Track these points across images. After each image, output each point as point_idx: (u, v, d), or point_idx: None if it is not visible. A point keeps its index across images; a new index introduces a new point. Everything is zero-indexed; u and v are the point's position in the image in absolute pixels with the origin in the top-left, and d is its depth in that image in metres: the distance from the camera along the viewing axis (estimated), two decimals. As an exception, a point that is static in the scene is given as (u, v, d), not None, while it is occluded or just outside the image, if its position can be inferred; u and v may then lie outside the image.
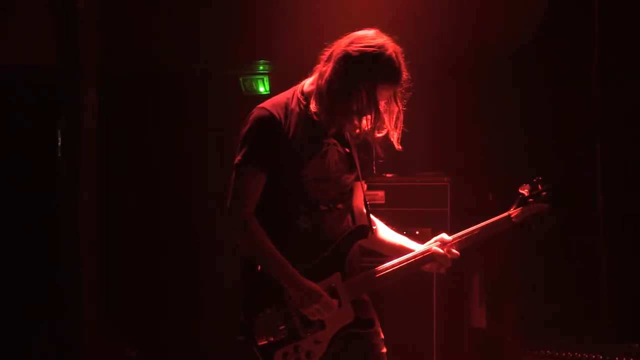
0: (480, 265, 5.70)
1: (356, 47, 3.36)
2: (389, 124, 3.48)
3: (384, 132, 3.49)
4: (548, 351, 4.88)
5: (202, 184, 6.17)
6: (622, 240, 5.31)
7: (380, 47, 3.37)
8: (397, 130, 3.49)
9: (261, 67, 6.24)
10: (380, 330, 3.57)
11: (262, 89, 6.25)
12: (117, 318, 5.76)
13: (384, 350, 3.56)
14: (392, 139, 3.50)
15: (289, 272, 3.34)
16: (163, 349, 6.15)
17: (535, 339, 5.01)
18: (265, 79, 6.26)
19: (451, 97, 5.94)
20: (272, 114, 3.38)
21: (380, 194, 5.37)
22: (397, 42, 3.45)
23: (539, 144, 5.85)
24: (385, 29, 5.68)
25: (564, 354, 4.83)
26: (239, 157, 3.37)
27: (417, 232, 5.07)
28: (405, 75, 3.44)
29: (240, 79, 6.28)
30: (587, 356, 4.77)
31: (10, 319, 5.51)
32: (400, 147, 3.51)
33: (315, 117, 3.40)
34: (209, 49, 5.97)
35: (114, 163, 5.96)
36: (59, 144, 5.23)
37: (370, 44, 3.36)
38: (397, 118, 3.48)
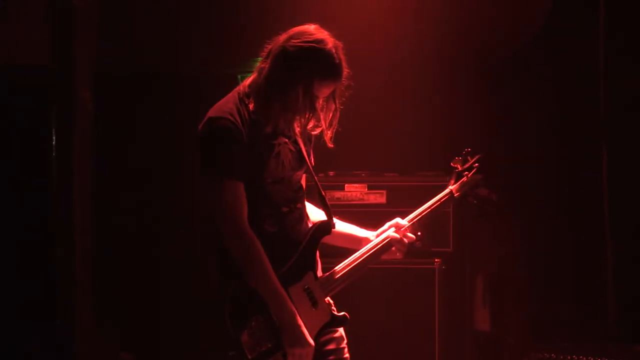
0: (483, 267, 5.65)
1: (294, 42, 3.32)
2: (323, 122, 3.43)
3: (318, 130, 3.45)
4: (552, 354, 4.87)
5: (200, 184, 6.10)
6: (628, 240, 5.26)
7: (319, 42, 3.32)
8: (332, 128, 3.45)
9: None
10: (345, 334, 3.56)
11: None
12: (111, 321, 5.73)
13: (347, 356, 3.55)
14: (325, 138, 3.45)
15: (288, 304, 3.30)
16: (157, 352, 6.09)
17: (539, 341, 4.99)
18: (264, 76, 6.17)
19: (453, 95, 5.89)
20: (232, 122, 3.31)
21: (382, 193, 5.32)
22: (337, 37, 3.39)
23: (543, 143, 5.81)
24: (385, 28, 5.71)
25: (568, 357, 4.82)
26: (214, 172, 3.30)
27: (419, 233, 5.01)
28: (345, 71, 3.37)
29: (239, 77, 6.14)
30: (592, 359, 4.75)
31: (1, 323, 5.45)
32: (332, 145, 3.46)
33: (253, 116, 3.35)
34: (206, 46, 5.94)
35: (108, 163, 5.90)
36: (54, 143, 5.17)
37: (308, 40, 3.32)
38: (333, 116, 3.43)
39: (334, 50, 3.33)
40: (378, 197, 5.30)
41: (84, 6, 5.18)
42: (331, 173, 5.31)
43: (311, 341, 3.31)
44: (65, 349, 5.05)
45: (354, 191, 5.29)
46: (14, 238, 5.54)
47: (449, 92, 5.87)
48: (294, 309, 3.30)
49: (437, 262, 5.15)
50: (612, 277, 5.29)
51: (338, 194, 5.26)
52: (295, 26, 3.47)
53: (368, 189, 5.29)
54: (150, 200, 6.27)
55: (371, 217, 5.10)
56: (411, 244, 3.62)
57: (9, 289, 5.51)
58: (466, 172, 3.75)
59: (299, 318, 3.30)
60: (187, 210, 6.17)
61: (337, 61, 3.34)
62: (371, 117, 5.79)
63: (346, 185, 5.30)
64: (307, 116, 3.37)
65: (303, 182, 3.56)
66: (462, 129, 5.88)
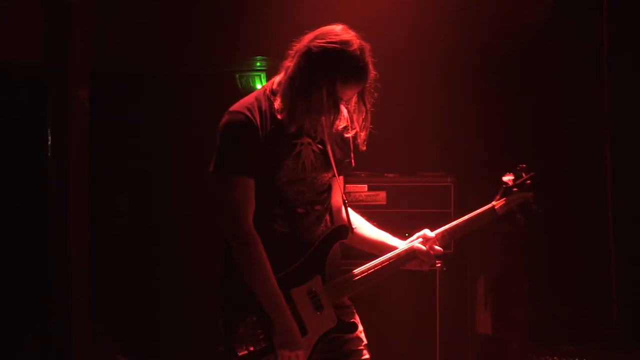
0: (485, 268, 5.63)
1: (319, 42, 3.28)
2: (356, 124, 3.40)
3: (352, 133, 3.42)
4: (555, 357, 4.88)
5: (197, 184, 6.06)
6: (633, 242, 5.23)
7: (344, 43, 3.28)
8: (364, 131, 3.42)
9: (258, 64, 6.18)
10: (364, 335, 3.50)
11: (259, 86, 6.17)
12: (106, 324, 5.68)
13: (367, 356, 3.49)
14: (358, 140, 3.42)
15: (281, 306, 3.27)
16: (153, 354, 6.09)
17: (541, 344, 4.98)
18: (263, 75, 6.18)
19: (455, 95, 5.88)
20: (248, 118, 3.28)
21: (382, 194, 5.30)
22: (365, 39, 3.35)
23: (546, 142, 5.79)
24: (386, 27, 5.70)
25: (570, 360, 4.77)
26: (222, 167, 3.28)
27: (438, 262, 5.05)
28: (372, 74, 3.35)
29: (237, 76, 6.20)
30: (594, 362, 4.73)
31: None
32: (365, 148, 3.43)
33: (278, 115, 3.31)
34: (204, 44, 5.92)
35: (104, 163, 5.86)
36: (49, 143, 5.14)
37: (333, 40, 3.28)
38: (365, 118, 3.40)
39: (358, 52, 3.30)
40: (379, 198, 5.28)
41: (80, 3, 5.14)
42: (331, 173, 5.27)
43: (302, 345, 3.28)
44: (61, 352, 5.00)
45: (355, 192, 5.26)
46: (9, 238, 5.56)
47: (451, 92, 5.85)
48: (287, 311, 3.28)
49: (438, 264, 5.12)
50: (615, 279, 5.26)
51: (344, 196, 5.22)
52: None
53: (368, 190, 5.26)
54: (148, 200, 6.28)
55: (372, 218, 5.09)
56: (444, 246, 3.55)
57: (3, 290, 5.51)
58: (516, 189, 3.58)
59: (291, 320, 3.28)
60: (184, 210, 6.17)
61: (362, 63, 3.31)
62: (372, 117, 5.76)
63: (347, 185, 5.26)
64: (332, 118, 3.32)
65: (335, 185, 3.50)
66: (463, 128, 5.88)
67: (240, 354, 3.26)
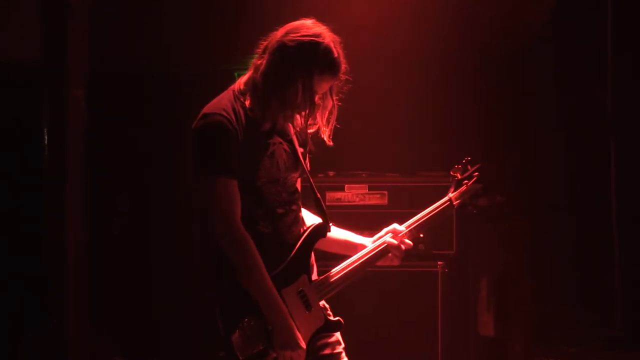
0: (487, 269, 5.61)
1: (292, 37, 3.29)
2: (320, 119, 3.41)
3: (315, 128, 3.43)
4: (558, 359, 4.86)
5: (194, 181, 6.06)
6: (636, 243, 5.21)
7: (317, 36, 3.30)
8: (329, 126, 3.42)
9: None
10: (342, 338, 3.52)
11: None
12: (104, 326, 5.64)
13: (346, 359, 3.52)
14: (323, 136, 3.42)
15: (280, 306, 3.27)
16: (151, 357, 6.05)
17: (544, 347, 4.96)
18: (262, 73, 6.11)
19: (456, 94, 5.87)
20: (225, 118, 3.28)
21: (383, 194, 5.27)
22: (334, 31, 3.36)
23: (549, 143, 5.78)
24: (386, 26, 5.67)
25: (573, 362, 4.77)
26: (207, 169, 3.26)
27: (421, 235, 4.98)
28: (343, 66, 3.34)
29: (236, 75, 6.08)
30: (598, 364, 4.72)
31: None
32: (331, 143, 3.43)
33: (250, 114, 3.31)
34: (202, 43, 5.91)
35: (102, 163, 5.82)
36: (45, 142, 5.11)
37: (307, 34, 3.30)
38: (331, 113, 3.41)
39: (332, 45, 3.31)
40: (379, 198, 5.25)
41: (78, 3, 5.12)
42: (331, 173, 5.29)
43: (303, 344, 3.28)
44: (57, 355, 4.97)
45: (355, 192, 5.22)
46: (5, 239, 5.52)
47: (452, 92, 5.84)
48: (286, 310, 3.27)
49: (439, 265, 5.11)
50: (618, 280, 5.24)
51: (338, 195, 5.22)
52: (293, 19, 3.44)
53: (369, 190, 5.24)
54: (145, 200, 6.25)
55: (372, 219, 5.08)
56: (415, 246, 3.61)
57: (1, 290, 5.49)
58: (465, 181, 3.69)
59: (290, 320, 3.27)
60: (182, 211, 6.15)
61: (336, 55, 3.32)
62: (372, 117, 5.78)
63: (346, 185, 5.25)
64: (305, 113, 3.33)
65: (298, 185, 3.52)
66: (464, 128, 5.87)
67: (241, 357, 3.25)
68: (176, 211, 6.20)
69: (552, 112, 5.81)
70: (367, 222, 4.81)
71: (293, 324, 3.27)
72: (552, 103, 5.78)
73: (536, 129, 5.83)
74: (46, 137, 5.13)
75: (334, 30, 3.39)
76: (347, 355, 3.52)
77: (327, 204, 5.11)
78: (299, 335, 3.27)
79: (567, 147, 5.68)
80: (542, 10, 5.66)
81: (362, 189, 5.23)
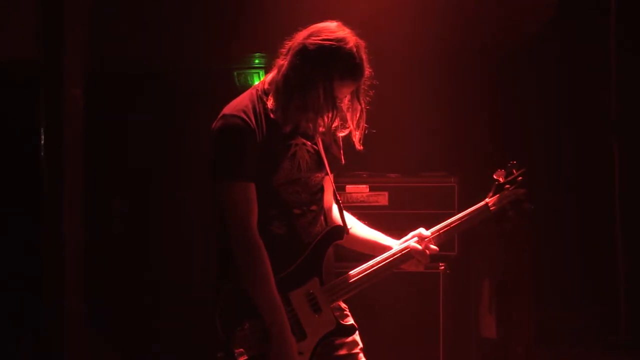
0: (489, 271, 5.58)
1: (314, 40, 3.24)
2: (351, 122, 3.38)
3: (346, 132, 3.40)
4: None
5: (196, 183, 6.04)
6: (640, 245, 5.20)
7: (340, 40, 3.24)
8: (359, 129, 3.40)
9: (257, 61, 6.15)
10: (359, 339, 3.47)
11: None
12: (101, 329, 5.68)
13: None
14: (353, 139, 3.40)
15: (281, 318, 3.22)
16: (151, 357, 6.05)
17: (546, 349, 4.93)
18: (261, 73, 6.14)
19: (458, 94, 5.85)
20: (244, 121, 3.23)
21: (384, 195, 5.23)
22: (365, 37, 3.32)
23: (552, 143, 5.78)
24: (389, 26, 5.65)
25: (577, 365, 4.77)
26: (224, 172, 3.23)
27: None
28: (367, 71, 3.32)
29: (235, 74, 6.18)
30: (601, 367, 4.71)
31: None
32: (361, 147, 3.41)
33: (272, 115, 3.27)
34: (201, 41, 5.91)
35: (99, 164, 5.84)
36: (42, 143, 5.09)
37: (329, 37, 3.24)
38: (360, 117, 3.38)
39: (354, 49, 3.26)
40: (380, 199, 5.22)
41: (76, 2, 5.11)
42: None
43: (295, 358, 3.24)
44: (55, 356, 4.97)
45: (356, 192, 5.19)
46: (3, 239, 5.47)
47: (454, 91, 5.82)
48: (287, 324, 3.23)
49: (441, 266, 5.07)
50: (622, 282, 5.22)
51: (339, 195, 5.16)
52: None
53: (370, 190, 5.20)
54: (144, 202, 6.24)
55: (373, 219, 5.00)
56: (440, 245, 3.54)
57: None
58: (507, 185, 3.57)
59: (290, 336, 3.23)
60: (186, 211, 6.12)
61: (358, 60, 3.27)
62: (373, 117, 5.72)
63: (347, 186, 5.23)
64: (329, 116, 3.29)
65: (326, 185, 3.48)
66: (466, 128, 5.87)
67: (240, 359, 3.21)
68: (176, 212, 6.19)
69: (555, 112, 5.80)
70: (368, 223, 4.76)
71: (291, 337, 3.23)
72: (555, 103, 5.77)
73: (538, 130, 5.81)
74: (43, 136, 5.12)
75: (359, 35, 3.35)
76: (365, 356, 3.47)
77: (343, 207, 5.10)
78: (295, 351, 3.23)
79: (571, 147, 5.68)
80: (544, 9, 5.65)
81: (363, 189, 5.21)
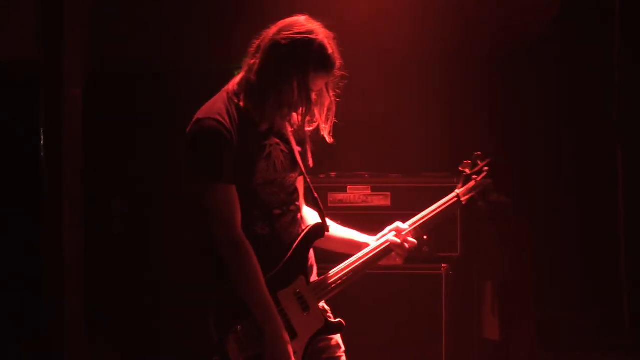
0: (492, 273, 5.57)
1: (285, 34, 3.26)
2: (319, 117, 3.37)
3: (314, 126, 3.39)
4: None
5: (189, 187, 6.03)
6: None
7: (311, 33, 3.26)
8: (329, 123, 3.38)
9: None
10: (342, 342, 3.47)
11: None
12: (101, 331, 5.67)
13: None
14: (323, 133, 3.38)
15: (274, 317, 3.22)
16: (151, 357, 6.01)
17: (550, 351, 4.91)
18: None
19: (461, 93, 5.84)
20: (220, 123, 3.23)
21: (386, 195, 5.19)
22: (339, 35, 3.32)
23: (554, 144, 5.78)
24: (389, 26, 5.63)
25: (582, 367, 4.75)
26: (204, 176, 3.22)
27: (425, 237, 4.91)
28: (338, 62, 3.31)
29: (235, 73, 6.06)
30: (606, 368, 4.70)
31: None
32: (332, 140, 3.39)
33: (248, 116, 3.28)
34: (200, 41, 5.85)
35: (99, 164, 5.83)
36: (42, 143, 5.08)
37: (301, 31, 3.26)
38: (329, 110, 3.37)
39: (326, 41, 3.28)
40: (382, 199, 5.18)
41: (75, 2, 5.10)
42: (333, 174, 5.26)
43: (291, 357, 3.23)
44: (54, 358, 4.95)
45: (357, 193, 5.16)
46: (2, 240, 5.45)
47: (456, 92, 5.82)
48: (280, 322, 3.23)
49: (444, 267, 5.03)
50: (626, 283, 5.19)
51: (340, 196, 5.16)
52: (318, 21, 3.40)
53: (372, 191, 5.17)
54: (144, 202, 6.19)
55: (375, 220, 4.97)
56: (419, 248, 3.53)
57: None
58: (475, 176, 3.63)
59: (284, 332, 3.23)
60: (182, 213, 6.08)
61: (330, 52, 3.28)
62: (375, 117, 5.74)
63: (349, 186, 5.18)
64: (301, 111, 3.31)
65: (299, 185, 3.48)
66: (468, 128, 5.84)
67: None
68: (176, 212, 6.15)
69: (556, 112, 5.80)
70: (369, 224, 4.71)
71: (286, 335, 3.23)
72: (555, 103, 5.77)
73: (539, 130, 5.81)
74: (43, 137, 5.11)
75: (337, 31, 3.36)
76: (347, 358, 3.47)
77: (330, 205, 5.07)
78: (290, 349, 3.23)
79: (573, 148, 5.66)
80: (547, 9, 5.62)
81: (365, 189, 5.17)
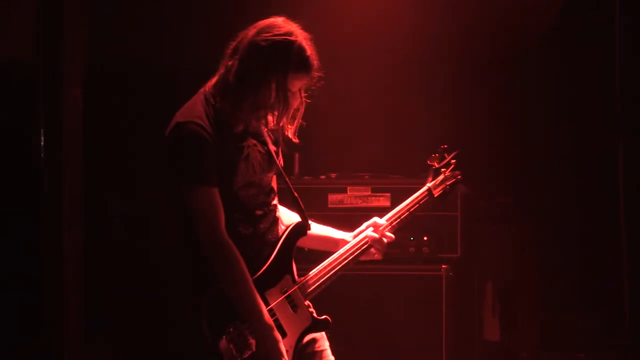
0: (493, 274, 5.56)
1: (265, 36, 3.27)
2: (285, 117, 3.37)
3: (280, 125, 3.40)
4: None
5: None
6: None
7: (290, 34, 3.28)
8: (295, 123, 3.39)
9: None
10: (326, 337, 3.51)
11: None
12: (101, 333, 5.66)
13: (332, 358, 3.51)
14: (287, 133, 3.40)
15: (264, 316, 3.24)
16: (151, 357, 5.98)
17: (551, 352, 4.89)
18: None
19: (463, 94, 5.82)
20: (200, 126, 3.24)
21: (386, 196, 5.18)
22: (305, 28, 3.33)
23: (556, 145, 5.76)
24: (390, 27, 5.62)
25: (582, 368, 4.74)
26: (187, 179, 3.24)
27: (425, 238, 4.96)
28: (316, 63, 3.32)
29: None
30: (606, 370, 4.69)
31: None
32: (297, 140, 3.41)
33: (225, 117, 3.28)
34: (200, 41, 5.81)
35: (99, 164, 5.80)
36: (42, 143, 5.06)
37: (280, 32, 3.28)
38: (297, 110, 3.38)
39: (304, 43, 3.29)
40: (382, 200, 5.17)
41: (75, 1, 5.09)
42: (333, 175, 5.24)
43: (285, 357, 3.25)
44: (54, 358, 4.95)
45: (357, 194, 5.16)
46: (2, 240, 5.43)
47: (457, 92, 5.80)
48: (271, 321, 3.26)
49: (444, 268, 5.02)
50: (627, 286, 5.18)
51: (340, 197, 5.17)
52: (295, 20, 3.41)
53: (372, 192, 5.17)
54: (144, 202, 6.16)
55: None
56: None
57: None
58: (443, 169, 3.73)
59: (276, 331, 3.25)
60: (183, 213, 6.07)
61: (309, 53, 3.29)
62: (375, 118, 5.73)
63: (349, 187, 5.19)
64: (279, 112, 3.30)
65: (274, 184, 3.50)
66: (469, 129, 5.81)
67: None
68: (176, 213, 6.13)
69: (559, 114, 5.78)
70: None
71: (278, 335, 3.25)
72: (561, 104, 5.75)
73: (543, 132, 5.80)
74: (43, 137, 5.10)
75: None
76: (332, 354, 3.50)
77: (329, 206, 5.07)
78: (282, 348, 3.25)
79: (576, 150, 5.66)
80: (549, 10, 5.62)
81: (365, 191, 5.17)
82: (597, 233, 5.51)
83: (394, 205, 5.20)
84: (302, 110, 3.37)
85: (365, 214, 5.06)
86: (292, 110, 3.33)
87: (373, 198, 5.18)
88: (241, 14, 5.57)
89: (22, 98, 5.33)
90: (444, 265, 5.01)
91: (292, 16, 3.46)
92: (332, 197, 5.12)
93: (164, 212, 6.18)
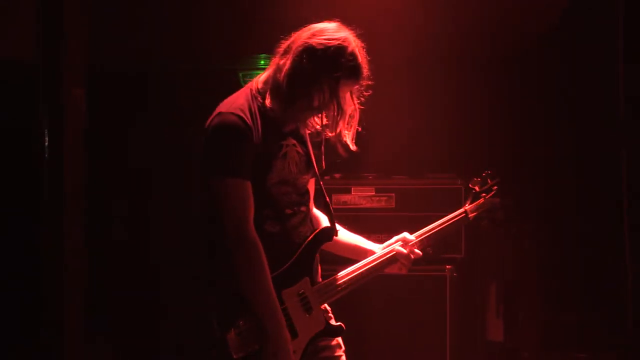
0: (496, 274, 5.56)
1: (319, 39, 3.27)
2: (343, 124, 3.38)
3: (335, 132, 3.39)
4: None
5: (197, 184, 6.01)
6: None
7: (344, 40, 3.28)
8: (352, 129, 3.40)
9: (262, 62, 6.03)
10: (342, 341, 3.52)
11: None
12: (102, 334, 5.67)
13: None
14: (345, 139, 3.39)
15: (279, 316, 3.24)
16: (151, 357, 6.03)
17: (554, 352, 4.90)
18: (268, 74, 6.09)
19: (466, 94, 5.83)
20: (241, 119, 3.24)
21: (390, 197, 5.20)
22: (359, 37, 3.35)
23: (558, 146, 5.76)
24: (394, 26, 5.62)
25: (584, 369, 4.75)
26: (221, 170, 3.22)
27: (430, 252, 4.93)
28: (366, 72, 3.34)
29: (240, 75, 6.09)
30: (609, 370, 4.70)
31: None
32: (355, 147, 3.41)
33: (271, 115, 3.29)
34: (206, 42, 5.85)
35: (102, 164, 5.81)
36: (46, 144, 5.05)
37: (334, 37, 3.28)
38: (352, 117, 3.39)
39: (356, 50, 3.30)
40: (386, 201, 5.18)
41: (76, 1, 5.08)
42: (337, 175, 5.25)
43: (291, 356, 3.26)
44: (54, 358, 4.93)
45: (362, 194, 5.16)
46: (2, 240, 5.41)
47: (460, 93, 5.81)
48: (283, 321, 3.26)
49: (448, 268, 5.04)
50: (630, 286, 5.19)
51: (344, 198, 5.16)
52: (298, 21, 3.42)
53: (376, 192, 5.18)
54: (145, 203, 6.19)
55: (379, 222, 4.99)
56: (423, 249, 3.61)
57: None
58: (484, 194, 3.75)
59: (286, 330, 3.25)
60: (183, 213, 6.07)
61: (360, 60, 3.31)
62: (379, 118, 5.69)
63: (353, 188, 5.20)
64: (334, 118, 3.31)
65: (310, 187, 3.50)
66: (472, 130, 5.83)
67: (236, 356, 3.23)
68: (177, 213, 6.14)
69: (560, 114, 5.78)
70: (374, 225, 4.74)
71: (287, 334, 3.25)
72: (563, 105, 5.76)
73: (545, 132, 5.80)
74: (46, 137, 5.08)
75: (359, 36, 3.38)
76: (348, 359, 3.50)
77: (334, 206, 5.03)
78: (290, 348, 3.25)
79: (578, 150, 5.66)
80: (554, 9, 5.63)
81: (369, 191, 5.18)
82: (597, 233, 5.51)
83: (398, 205, 5.28)
84: (357, 117, 3.38)
85: (369, 214, 5.12)
86: (347, 116, 3.33)
87: (377, 198, 5.18)
88: (241, 14, 5.62)
89: (22, 98, 5.31)
90: (448, 265, 5.02)
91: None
92: (337, 198, 5.12)
93: (164, 212, 6.19)
